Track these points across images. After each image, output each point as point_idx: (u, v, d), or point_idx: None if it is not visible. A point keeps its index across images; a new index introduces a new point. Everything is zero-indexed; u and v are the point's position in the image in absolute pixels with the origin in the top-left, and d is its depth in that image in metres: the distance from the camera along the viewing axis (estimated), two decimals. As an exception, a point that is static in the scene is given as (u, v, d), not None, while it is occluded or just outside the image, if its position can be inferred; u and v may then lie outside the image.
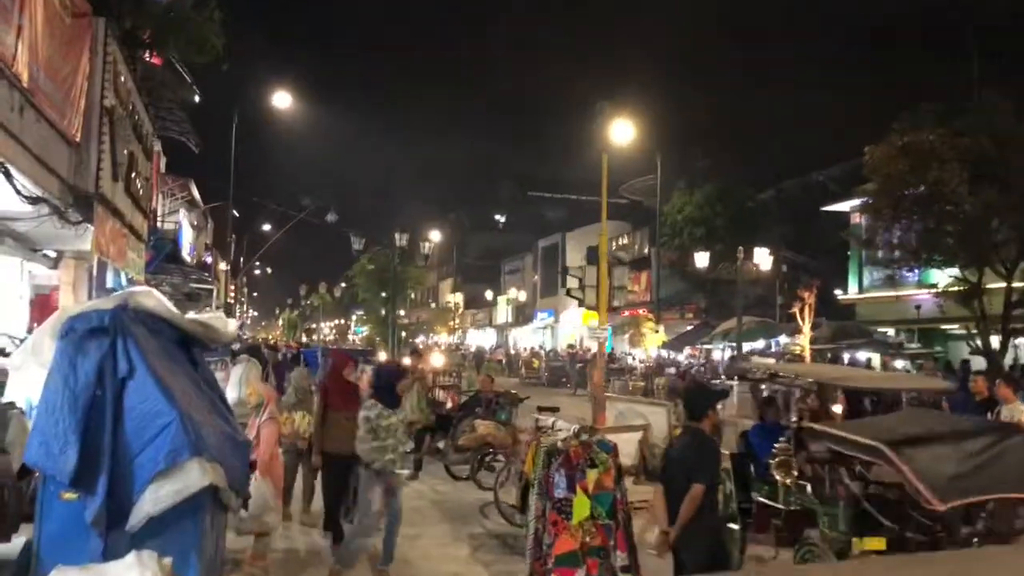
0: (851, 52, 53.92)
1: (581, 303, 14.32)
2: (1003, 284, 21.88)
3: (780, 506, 6.88)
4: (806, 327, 21.89)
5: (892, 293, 30.93)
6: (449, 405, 12.52)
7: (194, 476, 4.40)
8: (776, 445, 6.78)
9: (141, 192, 13.14)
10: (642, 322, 30.57)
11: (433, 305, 64.77)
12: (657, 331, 30.95)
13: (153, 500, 4.39)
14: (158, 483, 4.42)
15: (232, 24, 13.36)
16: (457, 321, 68.16)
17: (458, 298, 72.89)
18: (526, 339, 62.04)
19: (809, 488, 6.31)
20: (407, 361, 13.76)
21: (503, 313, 65.96)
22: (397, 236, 23.86)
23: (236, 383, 13.76)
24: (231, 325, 5.91)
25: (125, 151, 11.08)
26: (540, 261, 60.97)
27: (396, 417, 7.23)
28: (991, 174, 20.09)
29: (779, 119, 45.58)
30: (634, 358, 41.39)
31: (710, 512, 4.79)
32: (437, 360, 15.28)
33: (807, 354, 22.41)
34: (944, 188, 20.51)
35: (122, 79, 10.52)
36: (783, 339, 33.57)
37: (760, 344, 33.54)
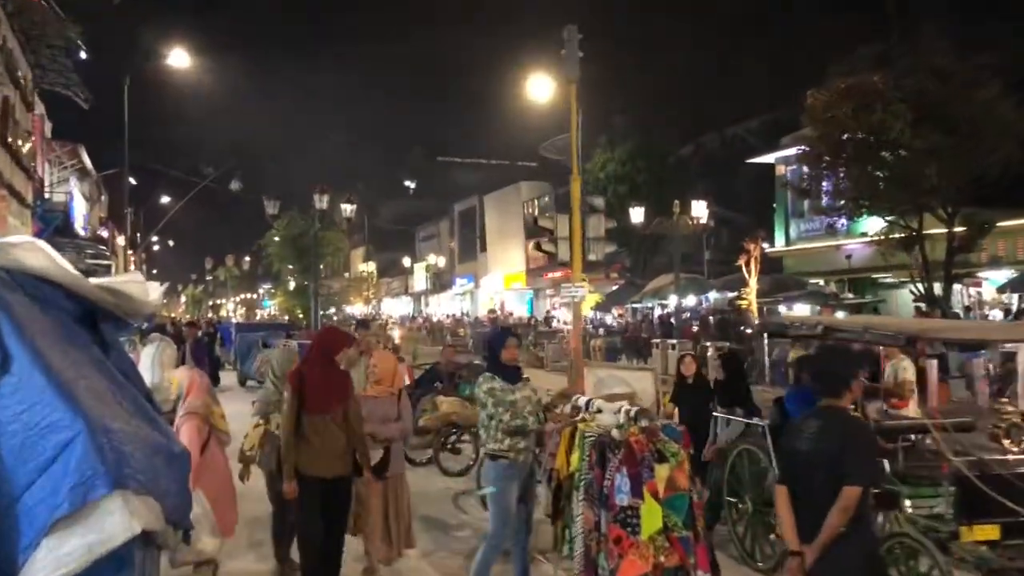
0: (765, 7, 53.62)
1: (553, 257, 12.76)
2: (942, 230, 21.55)
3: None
4: (753, 280, 21.14)
5: (822, 244, 30.75)
6: (405, 381, 10.94)
7: (116, 521, 2.82)
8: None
9: (23, 149, 11.16)
10: (575, 281, 29.41)
11: (347, 275, 62.48)
12: (591, 291, 29.89)
13: (52, 563, 2.78)
14: (59, 535, 2.81)
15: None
16: (372, 291, 66.17)
17: (371, 267, 70.81)
18: (445, 306, 60.59)
19: (887, 465, 5.14)
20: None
21: (420, 280, 64.24)
22: (317, 198, 21.93)
23: (148, 367, 11.98)
24: (153, 291, 3.94)
25: (-4, 92, 9.17)
26: (457, 225, 59.36)
27: (522, 393, 5.44)
28: (936, 115, 19.55)
29: (694, 75, 44.98)
30: (559, 320, 40.45)
31: (866, 525, 3.51)
32: (394, 334, 13.36)
33: (753, 308, 21.68)
34: (889, 131, 19.92)
35: (-13, 1, 8.60)
36: (713, 295, 33.07)
37: (691, 301, 32.92)
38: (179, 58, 29.34)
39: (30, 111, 12.47)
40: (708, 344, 22.02)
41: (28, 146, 11.93)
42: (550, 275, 43.00)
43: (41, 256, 3.54)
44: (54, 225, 22.54)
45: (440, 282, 60.69)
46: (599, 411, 4.64)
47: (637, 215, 26.83)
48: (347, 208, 22.57)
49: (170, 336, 14.63)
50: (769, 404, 7.33)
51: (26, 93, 11.52)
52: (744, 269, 21.49)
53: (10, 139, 9.81)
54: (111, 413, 3.15)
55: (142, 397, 3.79)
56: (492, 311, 49.76)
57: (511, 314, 48.27)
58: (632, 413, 4.25)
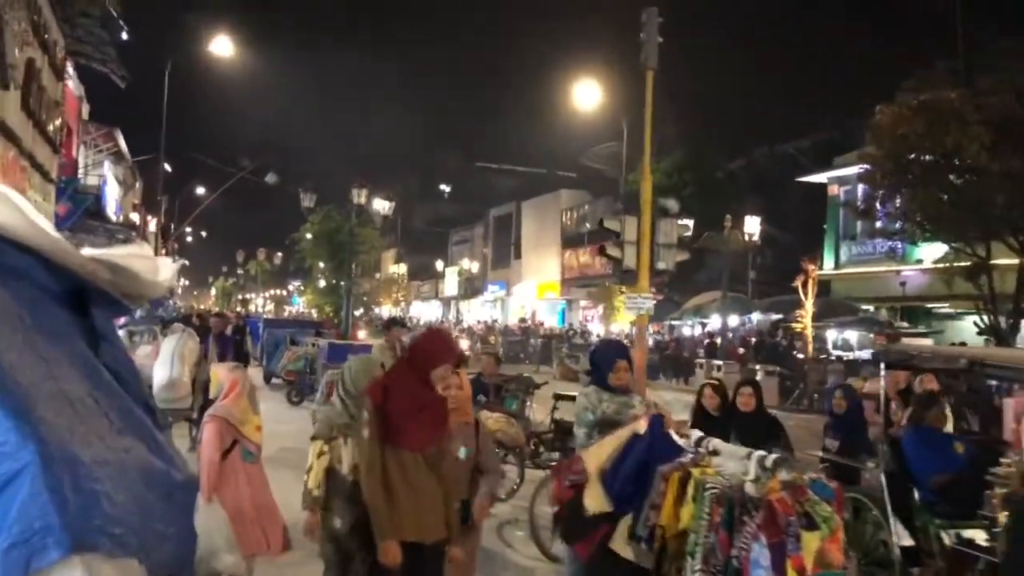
0: (824, 25, 52.33)
1: (619, 264, 11.59)
2: (1013, 260, 20.25)
3: (982, 547, 4.66)
4: (809, 303, 19.98)
5: (875, 269, 29.45)
6: None
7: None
8: (998, 467, 4.59)
9: (46, 118, 10.36)
10: (614, 293, 28.34)
11: (377, 276, 61.79)
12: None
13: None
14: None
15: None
16: (402, 293, 65.49)
17: (402, 269, 70.12)
18: (475, 312, 59.67)
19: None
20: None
21: (451, 285, 63.36)
22: (356, 192, 21.08)
23: (167, 359, 11.14)
24: (164, 269, 2.71)
25: (18, 51, 8.33)
26: (492, 231, 58.42)
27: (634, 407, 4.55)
28: (1016, 138, 18.30)
29: (748, 89, 43.80)
30: (591, 334, 39.38)
31: None
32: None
33: (808, 332, 20.52)
34: (963, 152, 18.68)
35: (12, -53, 7.79)
36: (757, 316, 31.85)
37: (734, 321, 31.71)
38: (221, 46, 28.84)
39: (60, 80, 11.67)
40: (757, 367, 20.88)
41: (57, 120, 11.10)
42: (583, 285, 42.00)
43: (8, 210, 2.48)
44: (84, 207, 21.89)
45: (471, 288, 59.79)
46: (715, 452, 3.63)
47: (684, 229, 25.68)
48: (385, 205, 21.75)
49: (194, 328, 13.81)
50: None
51: (56, 60, 10.71)
52: (800, 291, 20.34)
53: (33, 106, 8.98)
54: (83, 433, 2.13)
55: (139, 406, 2.69)
56: (523, 320, 48.79)
57: (542, 324, 47.24)
58: (769, 462, 3.25)
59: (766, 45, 51.13)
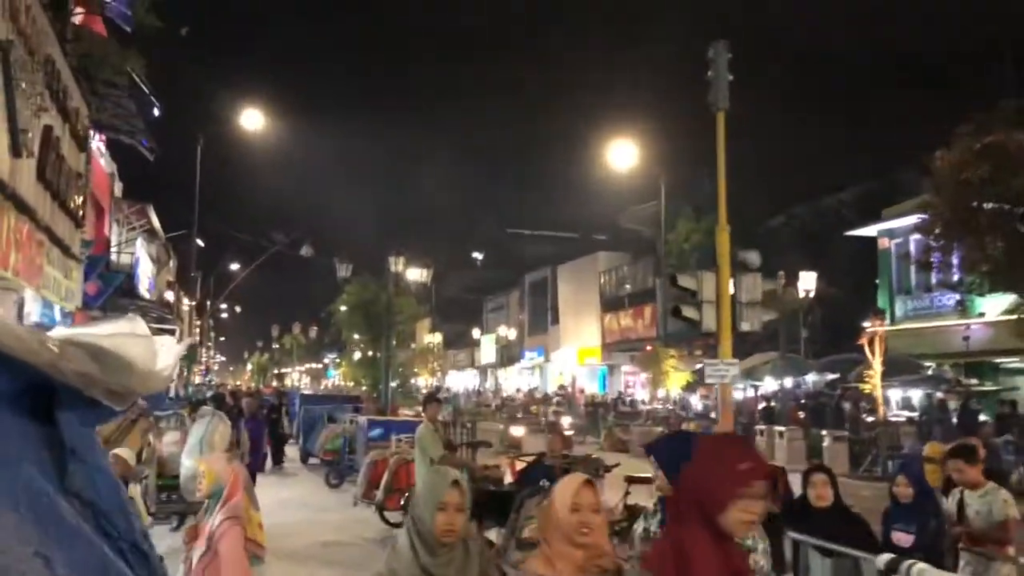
0: (864, 78, 51.68)
1: (695, 325, 10.42)
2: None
3: None
4: (877, 361, 18.70)
5: (935, 324, 28.06)
6: (508, 477, 8.74)
7: None
8: None
9: (67, 189, 9.68)
10: (663, 357, 27.21)
11: (412, 346, 61.00)
12: (680, 369, 27.60)
13: None
14: None
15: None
16: (438, 363, 64.57)
17: (437, 338, 69.42)
18: (513, 381, 58.51)
19: None
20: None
21: (488, 353, 62.36)
22: (392, 260, 20.32)
23: (195, 447, 10.18)
24: (165, 351, 1.52)
25: (34, 115, 7.65)
26: (527, 297, 57.56)
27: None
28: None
29: (786, 143, 42.98)
30: (633, 399, 38.05)
31: None
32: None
33: (878, 392, 19.19)
34: (1034, 198, 17.60)
35: (24, 2, 7.14)
36: (811, 377, 30.44)
37: (788, 383, 30.30)
38: (252, 120, 28.63)
39: (83, 151, 11.04)
40: (824, 433, 19.53)
41: (80, 193, 10.42)
42: (627, 349, 40.83)
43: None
44: (116, 285, 21.31)
45: (508, 355, 58.73)
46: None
47: (747, 285, 24.56)
48: (423, 273, 20.96)
49: (228, 409, 12.91)
50: None
51: (77, 130, 10.08)
52: (867, 348, 19.10)
53: (51, 177, 8.26)
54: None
55: (127, 550, 1.62)
56: (562, 387, 47.56)
57: (582, 390, 45.96)
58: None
59: (802, 98, 50.51)
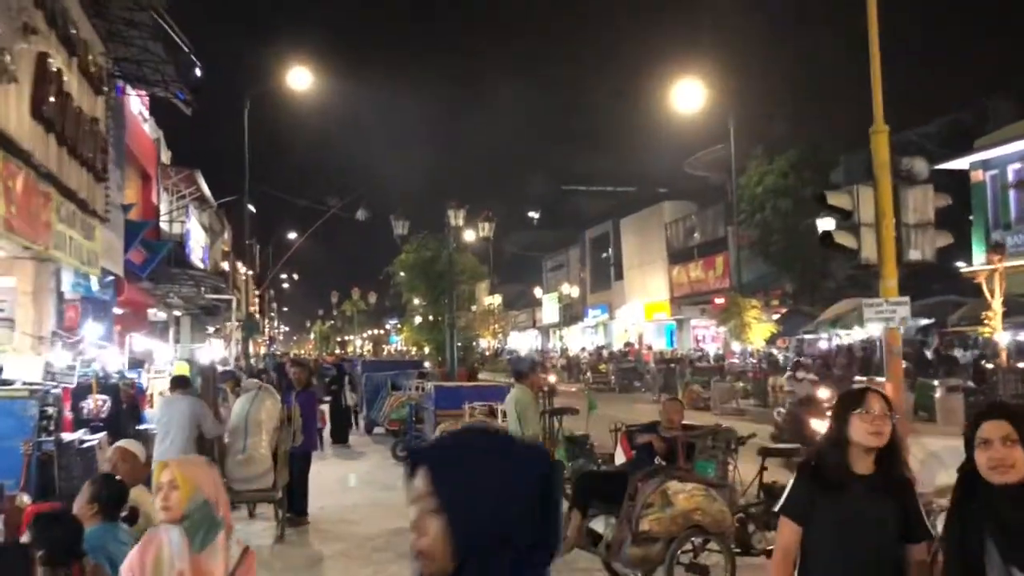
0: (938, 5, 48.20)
1: (854, 257, 8.37)
2: None
3: None
4: (997, 302, 16.67)
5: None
6: (619, 455, 7.04)
7: None
8: None
9: (78, 133, 8.34)
10: (744, 308, 25.29)
11: (473, 308, 59.79)
12: (763, 320, 25.70)
13: None
14: None
15: None
16: (499, 324, 63.36)
17: (497, 299, 68.23)
18: (576, 340, 56.98)
19: None
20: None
21: (549, 313, 60.86)
22: (452, 214, 18.74)
23: (240, 427, 8.81)
24: None
25: (20, 36, 6.25)
26: (589, 253, 55.75)
27: None
28: None
29: (863, 77, 40.11)
30: (719, 354, 36.19)
31: None
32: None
33: (999, 336, 17.16)
34: None
35: None
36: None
37: (876, 331, 28.16)
38: (299, 79, 27.23)
39: (100, 95, 9.67)
40: (936, 383, 17.61)
41: (96, 142, 9.05)
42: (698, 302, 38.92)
43: None
44: (162, 254, 20.25)
45: (570, 314, 57.15)
46: None
47: (826, 225, 22.45)
48: (485, 227, 19.39)
49: (279, 383, 11.59)
50: None
51: (88, 67, 8.69)
52: (984, 287, 17.06)
53: (50, 116, 6.89)
54: None
55: None
56: (628, 344, 45.89)
57: (650, 347, 44.19)
58: None
59: (881, 29, 47.31)
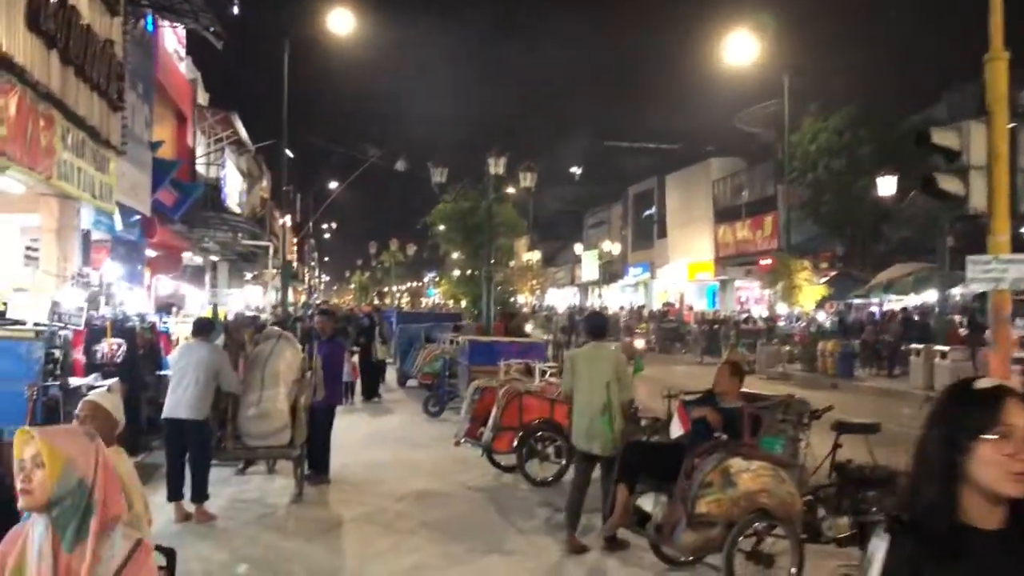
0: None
1: (959, 206, 7.28)
2: None
3: None
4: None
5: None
6: (675, 427, 6.11)
7: None
8: None
9: (84, 52, 7.64)
10: (794, 269, 24.18)
11: (511, 264, 59.05)
12: (815, 282, 24.60)
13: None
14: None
15: None
16: (537, 280, 62.65)
17: (536, 255, 67.49)
18: (615, 298, 56.03)
19: None
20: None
21: (589, 270, 59.88)
22: (492, 162, 17.90)
23: (256, 379, 8.16)
24: None
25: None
26: (631, 210, 54.54)
27: None
28: None
29: (930, 25, 38.16)
30: (749, 315, 35.12)
31: None
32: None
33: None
34: None
35: None
36: (958, 290, 27.00)
37: (931, 296, 26.94)
38: (341, 21, 26.29)
39: (115, 15, 8.94)
40: (1019, 354, 16.50)
41: (111, 71, 8.35)
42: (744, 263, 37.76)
43: None
44: (195, 197, 19.68)
45: (610, 272, 56.13)
46: None
47: (887, 185, 21.32)
48: (527, 177, 18.54)
49: (304, 331, 10.95)
50: None
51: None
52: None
53: (47, 28, 6.17)
54: None
55: None
56: (668, 304, 44.92)
57: (691, 308, 43.18)
58: None
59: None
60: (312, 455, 8.57)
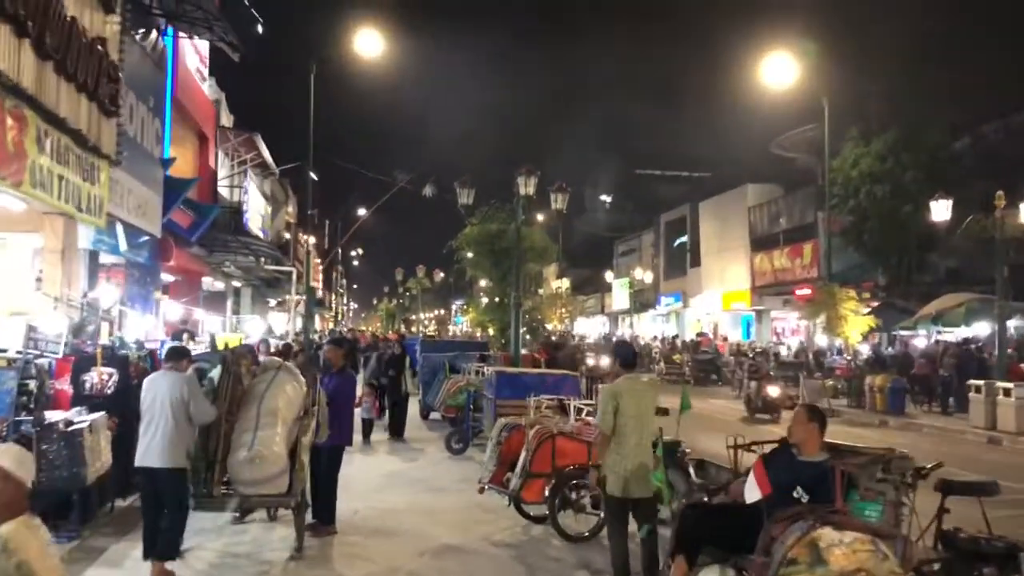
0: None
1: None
2: None
3: None
4: None
5: None
6: (754, 491, 4.91)
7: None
8: None
9: (67, 45, 6.83)
10: (840, 299, 22.91)
11: (540, 292, 58.02)
12: (861, 312, 23.27)
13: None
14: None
15: None
16: (566, 309, 61.58)
17: (565, 283, 66.62)
18: (646, 327, 54.80)
19: None
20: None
21: (620, 298, 58.74)
22: (522, 181, 16.83)
23: (251, 417, 7.17)
24: None
25: None
26: (663, 238, 53.43)
27: None
28: None
29: (972, 52, 36.91)
30: (788, 348, 33.75)
31: None
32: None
33: None
34: None
35: None
36: (1015, 322, 25.55)
37: (984, 330, 25.51)
38: (368, 43, 25.61)
39: (110, 12, 8.14)
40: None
41: (102, 70, 7.53)
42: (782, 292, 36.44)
43: None
44: (211, 218, 18.93)
45: (641, 300, 54.95)
46: None
47: (940, 211, 20.11)
48: (558, 198, 17.54)
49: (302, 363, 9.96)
50: None
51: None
52: None
53: (14, 10, 5.34)
54: None
55: None
56: (701, 334, 43.59)
57: (725, 339, 41.87)
58: None
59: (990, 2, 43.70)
60: (315, 503, 7.58)
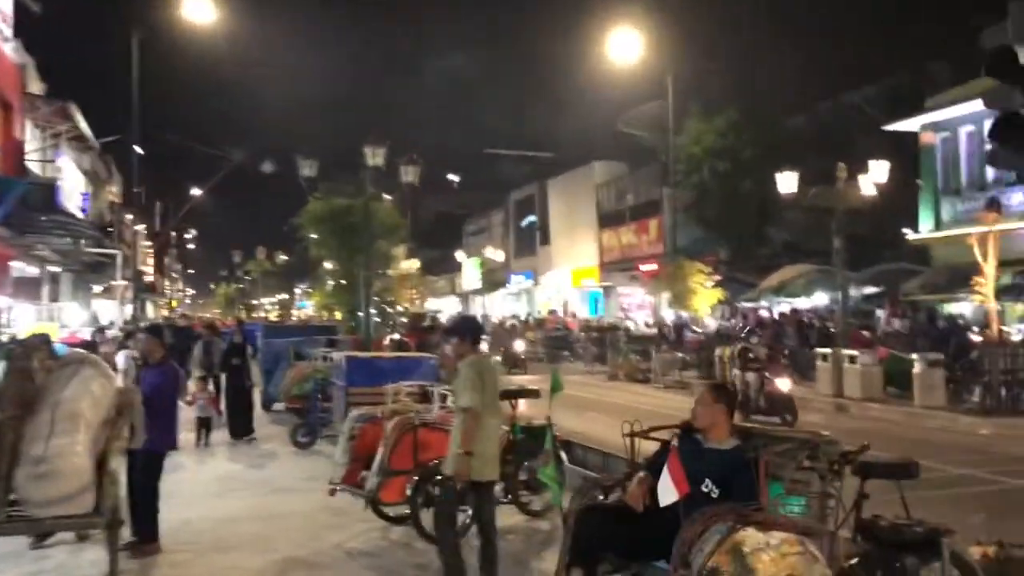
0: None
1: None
2: None
3: None
4: (990, 267, 14.78)
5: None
6: (670, 491, 4.08)
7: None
8: None
9: None
10: (688, 272, 23.12)
11: (389, 272, 56.67)
12: (708, 286, 23.60)
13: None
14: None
15: None
16: (417, 290, 60.62)
17: (415, 264, 65.61)
18: (498, 307, 54.60)
19: None
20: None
21: (471, 279, 58.28)
22: (370, 152, 15.80)
23: (44, 423, 5.91)
24: None
25: None
26: (513, 217, 53.23)
27: None
28: None
29: (804, 35, 38.31)
30: (632, 322, 34.12)
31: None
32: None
33: (990, 304, 15.30)
34: None
35: None
36: (853, 292, 26.67)
37: (822, 300, 26.47)
38: (200, 9, 23.59)
39: None
40: (915, 357, 15.72)
41: None
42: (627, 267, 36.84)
43: None
44: (13, 194, 16.86)
45: (493, 280, 54.69)
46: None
47: (788, 182, 20.44)
48: (409, 171, 16.57)
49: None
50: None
51: None
52: (977, 251, 15.13)
53: None
54: None
55: None
56: (552, 311, 43.72)
57: (574, 315, 42.08)
58: None
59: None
60: (134, 518, 6.43)
